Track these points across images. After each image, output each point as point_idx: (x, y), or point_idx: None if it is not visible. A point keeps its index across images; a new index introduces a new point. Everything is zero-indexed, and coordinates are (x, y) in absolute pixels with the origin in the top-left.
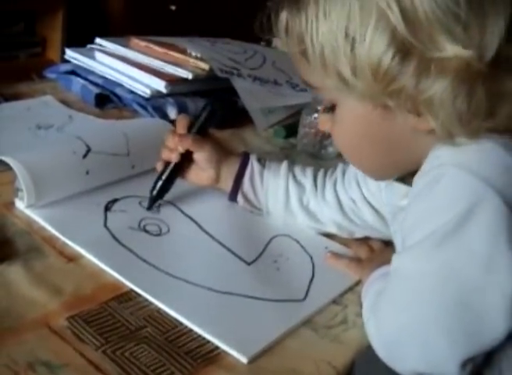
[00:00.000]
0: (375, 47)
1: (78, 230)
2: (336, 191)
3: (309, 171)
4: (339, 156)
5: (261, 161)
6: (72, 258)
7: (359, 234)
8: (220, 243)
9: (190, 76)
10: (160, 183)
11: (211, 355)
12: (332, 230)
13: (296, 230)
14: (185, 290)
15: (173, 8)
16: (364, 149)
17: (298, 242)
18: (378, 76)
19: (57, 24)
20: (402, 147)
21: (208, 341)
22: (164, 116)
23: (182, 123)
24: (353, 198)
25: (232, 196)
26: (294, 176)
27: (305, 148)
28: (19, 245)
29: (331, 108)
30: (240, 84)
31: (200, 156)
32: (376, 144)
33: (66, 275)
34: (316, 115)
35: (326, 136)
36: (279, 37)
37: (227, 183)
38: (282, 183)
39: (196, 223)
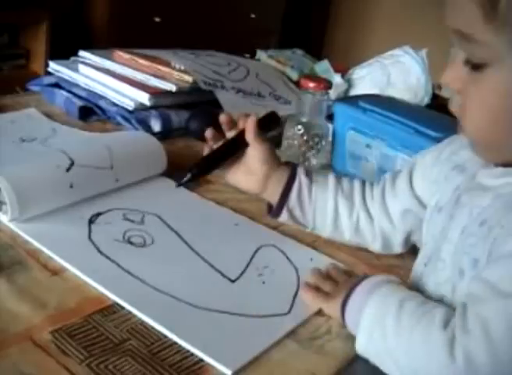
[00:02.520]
0: None
1: (62, 244)
2: (384, 201)
3: (357, 183)
4: (322, 168)
5: (309, 174)
6: (56, 272)
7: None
8: (204, 260)
9: (173, 88)
10: (207, 153)
11: (195, 367)
12: (377, 247)
13: (282, 241)
14: (169, 304)
15: (158, 20)
16: (505, 124)
17: (284, 253)
18: None
19: (41, 36)
20: None
21: (192, 354)
22: (148, 128)
23: (253, 119)
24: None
25: (277, 211)
26: (343, 191)
27: (289, 159)
28: (3, 259)
29: (477, 67)
30: (223, 96)
31: (256, 153)
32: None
33: (50, 288)
34: (299, 126)
35: (309, 148)
36: None
37: (272, 196)
38: (331, 199)
39: (180, 237)
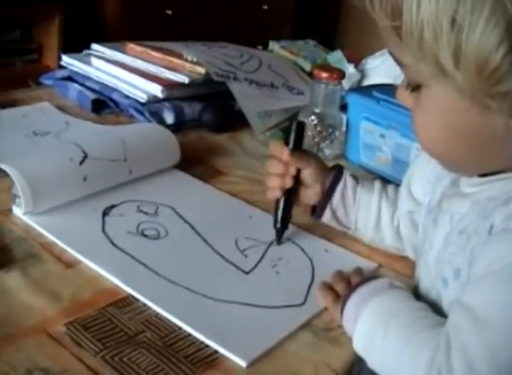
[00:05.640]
0: (486, 41)
1: (76, 236)
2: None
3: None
4: (336, 159)
5: (355, 176)
6: (71, 264)
7: None
8: (218, 252)
9: (186, 80)
10: (280, 213)
11: (210, 359)
12: (410, 253)
13: (296, 233)
14: (183, 295)
15: (169, 12)
16: (449, 142)
17: (298, 245)
18: (484, 73)
19: (53, 30)
20: (493, 148)
21: (207, 346)
22: (161, 120)
23: (277, 145)
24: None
25: (320, 211)
26: (387, 196)
27: None
28: (17, 252)
29: (415, 88)
30: (236, 88)
31: (308, 172)
32: (464, 140)
33: (64, 281)
34: (313, 117)
35: (323, 138)
36: (369, 7)
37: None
38: (375, 201)
39: (194, 229)
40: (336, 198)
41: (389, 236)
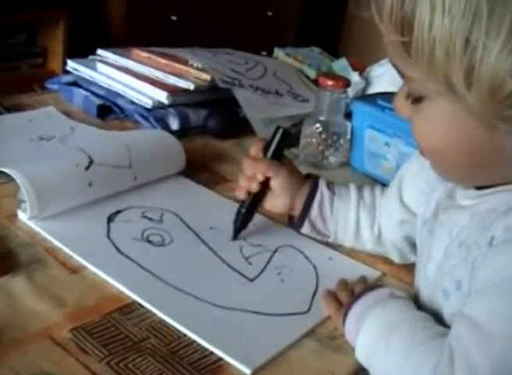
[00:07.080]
0: (501, 65)
1: (81, 242)
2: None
3: (377, 192)
4: (340, 166)
5: (331, 186)
6: (75, 270)
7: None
8: (222, 260)
9: (191, 86)
10: (241, 214)
11: (214, 366)
12: (395, 257)
13: (301, 241)
14: (188, 302)
15: (174, 18)
16: (450, 152)
17: (302, 253)
18: (497, 97)
19: (58, 35)
20: (495, 163)
21: (212, 353)
22: (166, 126)
23: (256, 148)
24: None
25: (299, 223)
26: (364, 202)
27: (307, 158)
28: (22, 257)
29: (417, 100)
30: (241, 95)
31: (276, 183)
32: (466, 153)
33: (69, 286)
34: (318, 125)
35: (328, 146)
36: (377, 19)
37: (299, 210)
38: (353, 212)
39: (198, 236)
40: (314, 211)
41: (369, 242)
